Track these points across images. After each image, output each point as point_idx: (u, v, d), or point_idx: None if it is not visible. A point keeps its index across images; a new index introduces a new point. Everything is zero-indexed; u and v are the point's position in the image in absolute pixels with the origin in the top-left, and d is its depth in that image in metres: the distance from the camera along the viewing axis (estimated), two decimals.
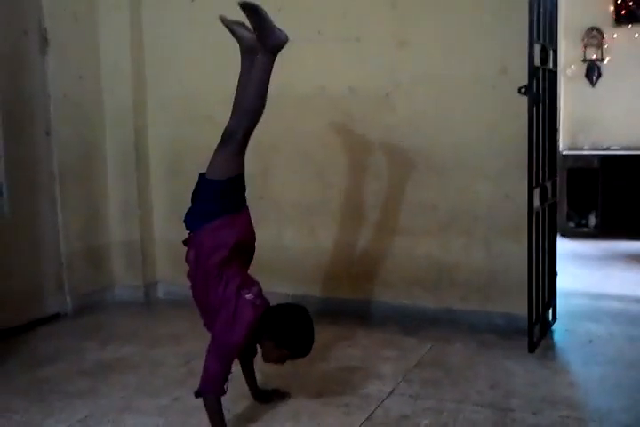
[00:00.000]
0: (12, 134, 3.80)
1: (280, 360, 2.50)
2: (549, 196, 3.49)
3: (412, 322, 3.75)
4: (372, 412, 2.65)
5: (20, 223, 3.89)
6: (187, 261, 2.51)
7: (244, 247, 2.51)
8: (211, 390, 2.36)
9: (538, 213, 3.33)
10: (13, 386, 3.01)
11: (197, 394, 2.39)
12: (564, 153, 6.78)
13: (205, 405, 2.38)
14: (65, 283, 4.15)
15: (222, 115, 4.27)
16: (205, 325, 2.56)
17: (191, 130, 4.37)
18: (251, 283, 2.49)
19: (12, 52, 3.82)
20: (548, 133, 3.50)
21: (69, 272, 4.18)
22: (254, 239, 2.57)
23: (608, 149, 6.66)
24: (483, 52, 3.60)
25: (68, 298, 4.16)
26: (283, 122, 4.09)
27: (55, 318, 4.06)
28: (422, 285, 3.83)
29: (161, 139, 4.46)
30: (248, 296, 2.41)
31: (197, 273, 2.46)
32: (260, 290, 2.50)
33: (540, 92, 3.33)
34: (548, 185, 3.47)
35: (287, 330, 2.44)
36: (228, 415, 2.49)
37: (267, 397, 2.75)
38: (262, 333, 2.42)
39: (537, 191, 3.26)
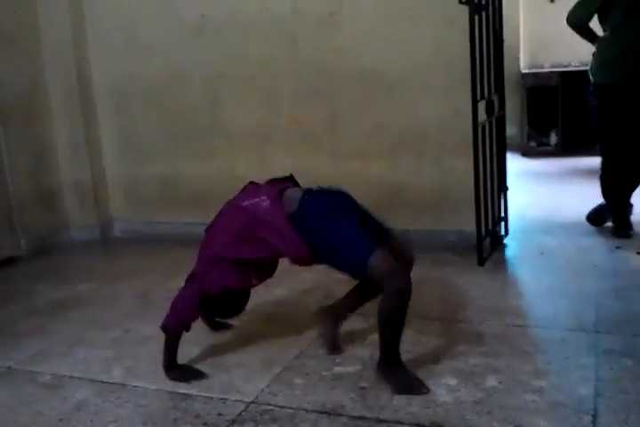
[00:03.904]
0: None
1: None
2: (496, 109, 3.43)
3: None
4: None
5: None
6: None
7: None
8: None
9: (484, 126, 3.28)
10: None
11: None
12: (524, 71, 6.69)
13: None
14: (16, 225, 4.08)
15: (165, 45, 4.17)
16: None
17: (134, 61, 4.23)
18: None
19: None
20: (493, 45, 3.42)
21: (21, 214, 4.10)
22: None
23: (568, 66, 6.57)
24: None
25: (22, 241, 4.10)
26: (226, 47, 3.98)
27: (9, 261, 4.01)
28: (376, 206, 3.77)
29: (104, 72, 4.31)
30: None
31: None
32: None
33: (483, 1, 3.23)
34: (495, 98, 3.42)
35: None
36: None
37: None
38: None
39: (482, 105, 3.20)
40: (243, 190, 2.42)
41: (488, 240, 3.48)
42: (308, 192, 2.32)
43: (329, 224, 2.17)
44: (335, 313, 2.49)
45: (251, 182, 2.46)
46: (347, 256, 2.15)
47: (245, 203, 2.28)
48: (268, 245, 2.23)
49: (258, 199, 2.26)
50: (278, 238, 2.20)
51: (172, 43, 4.15)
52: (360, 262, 2.11)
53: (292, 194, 2.30)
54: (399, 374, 2.17)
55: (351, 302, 2.48)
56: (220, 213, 2.38)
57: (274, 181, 2.41)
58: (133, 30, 4.21)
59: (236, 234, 2.26)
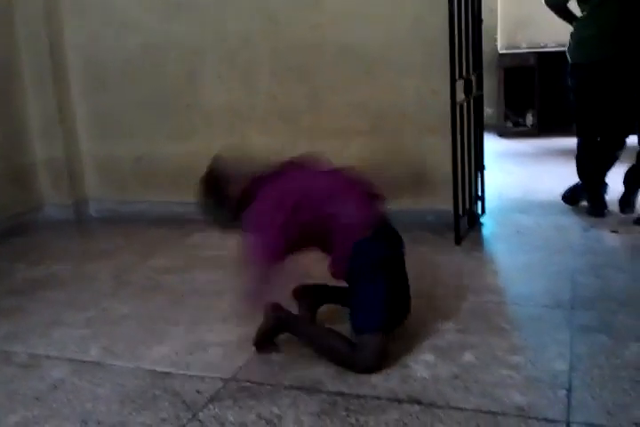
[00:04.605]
0: None
1: None
2: (474, 89, 3.43)
3: None
4: None
5: None
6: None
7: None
8: None
9: (462, 106, 3.28)
10: None
11: None
12: (501, 52, 6.69)
13: None
14: None
15: (141, 21, 4.09)
16: None
17: (110, 38, 4.16)
18: None
19: None
20: (472, 25, 3.41)
21: None
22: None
23: (545, 46, 6.58)
24: None
25: None
26: (205, 24, 3.92)
27: None
28: None
29: (79, 49, 4.23)
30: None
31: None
32: None
33: None
34: (473, 78, 3.41)
35: None
36: None
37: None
38: None
39: (460, 84, 3.19)
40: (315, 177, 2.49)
41: (465, 219, 3.50)
42: (379, 229, 2.33)
43: (366, 277, 2.21)
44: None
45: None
46: (358, 312, 2.22)
47: (330, 210, 2.27)
48: (325, 245, 2.31)
49: (348, 208, 2.29)
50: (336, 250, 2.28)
51: (148, 19, 4.08)
52: (361, 326, 2.18)
53: None
54: None
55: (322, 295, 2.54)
56: (278, 179, 2.43)
57: (357, 183, 2.43)
58: (109, 6, 4.12)
59: (302, 226, 2.25)
